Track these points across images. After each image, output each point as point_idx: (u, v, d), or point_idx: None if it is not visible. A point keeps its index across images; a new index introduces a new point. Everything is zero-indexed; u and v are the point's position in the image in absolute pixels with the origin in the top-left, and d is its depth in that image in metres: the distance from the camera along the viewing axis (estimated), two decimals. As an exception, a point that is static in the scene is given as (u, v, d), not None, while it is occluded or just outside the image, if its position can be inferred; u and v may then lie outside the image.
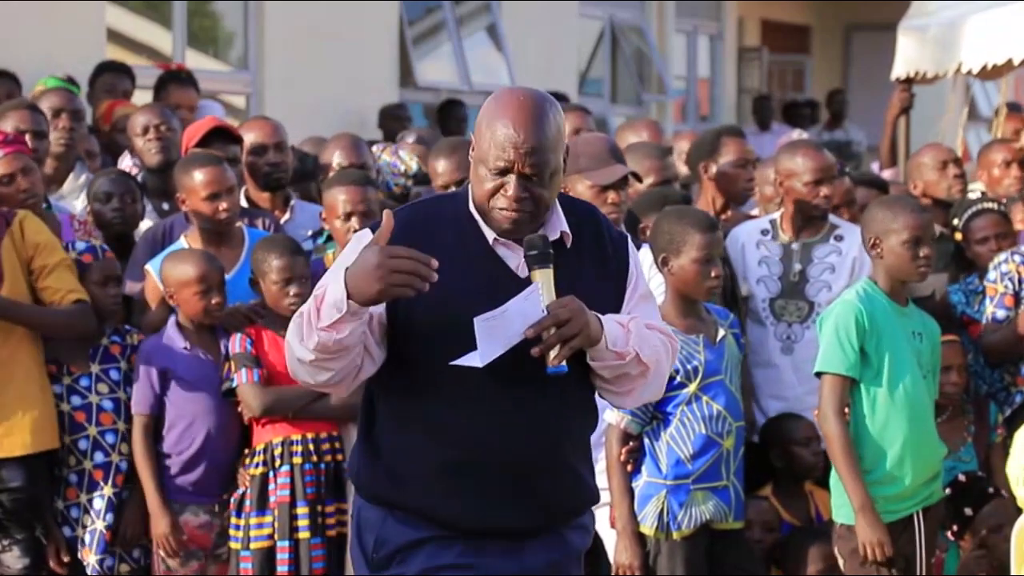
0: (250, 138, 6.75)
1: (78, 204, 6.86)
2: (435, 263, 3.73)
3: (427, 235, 3.92)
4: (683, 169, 7.50)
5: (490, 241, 3.94)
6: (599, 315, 3.91)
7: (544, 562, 4.02)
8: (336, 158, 6.85)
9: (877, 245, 5.74)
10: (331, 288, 3.78)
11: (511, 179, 3.87)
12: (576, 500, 4.12)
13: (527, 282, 3.89)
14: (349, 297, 3.74)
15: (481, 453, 3.93)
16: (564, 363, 3.85)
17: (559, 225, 3.98)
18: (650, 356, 3.99)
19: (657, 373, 4.06)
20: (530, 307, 3.83)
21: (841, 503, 5.69)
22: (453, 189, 6.48)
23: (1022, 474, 5.80)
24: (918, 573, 5.68)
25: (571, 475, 4.07)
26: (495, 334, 3.79)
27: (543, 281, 3.86)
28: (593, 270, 4.01)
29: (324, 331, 3.78)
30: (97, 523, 5.90)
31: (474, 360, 3.80)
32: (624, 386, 4.02)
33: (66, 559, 5.89)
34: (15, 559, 5.83)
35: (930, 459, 5.76)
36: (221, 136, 6.76)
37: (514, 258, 3.94)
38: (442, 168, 6.62)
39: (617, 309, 4.02)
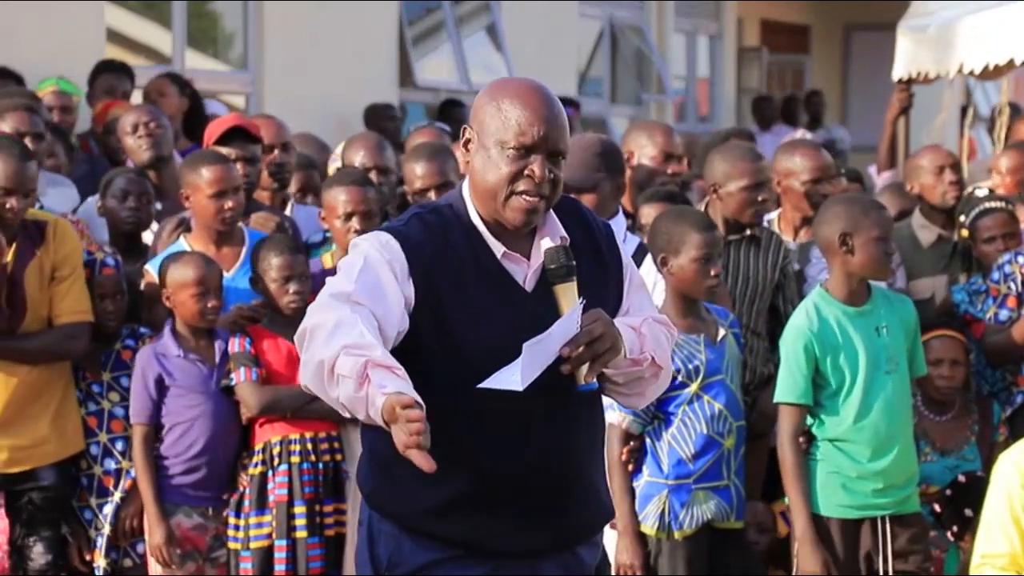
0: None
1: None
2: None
3: (447, 248, 3.76)
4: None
5: (499, 256, 3.80)
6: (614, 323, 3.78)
7: None
8: (359, 159, 6.74)
9: (847, 243, 5.65)
10: (389, 389, 3.42)
11: (536, 159, 3.72)
12: (596, 518, 4.01)
13: (534, 296, 3.78)
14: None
15: (508, 477, 3.78)
16: (594, 379, 3.73)
17: (557, 230, 3.84)
18: (663, 357, 3.90)
19: (667, 372, 3.98)
20: (570, 326, 3.67)
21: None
22: (432, 195, 6.33)
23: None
24: None
25: (593, 493, 3.96)
26: (537, 357, 3.61)
27: (568, 295, 3.72)
28: (592, 268, 3.88)
29: (356, 396, 3.47)
30: (107, 527, 5.94)
31: (513, 383, 3.55)
32: (636, 389, 3.93)
33: (88, 558, 5.95)
34: (39, 555, 5.89)
35: (908, 453, 5.73)
36: (240, 135, 6.61)
37: (520, 271, 3.81)
38: (421, 171, 6.36)
39: (619, 303, 3.93)
